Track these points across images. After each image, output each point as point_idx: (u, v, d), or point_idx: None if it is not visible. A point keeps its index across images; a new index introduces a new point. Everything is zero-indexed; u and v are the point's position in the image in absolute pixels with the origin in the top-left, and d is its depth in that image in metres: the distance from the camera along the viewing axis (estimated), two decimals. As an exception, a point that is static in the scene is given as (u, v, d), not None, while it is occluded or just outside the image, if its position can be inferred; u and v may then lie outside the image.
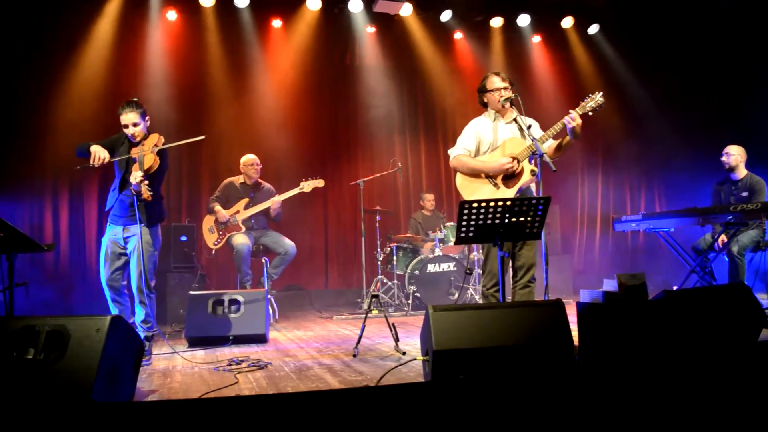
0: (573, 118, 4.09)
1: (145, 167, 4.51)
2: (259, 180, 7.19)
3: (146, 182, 4.47)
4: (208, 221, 7.01)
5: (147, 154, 4.54)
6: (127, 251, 4.67)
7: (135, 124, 4.63)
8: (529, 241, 4.25)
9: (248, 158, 7.12)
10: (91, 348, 2.92)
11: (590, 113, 4.17)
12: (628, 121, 10.26)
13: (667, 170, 10.38)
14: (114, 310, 4.65)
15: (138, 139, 4.66)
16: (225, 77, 8.78)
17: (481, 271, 4.51)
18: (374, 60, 9.57)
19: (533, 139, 4.00)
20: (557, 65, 10.22)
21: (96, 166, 4.43)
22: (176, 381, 3.92)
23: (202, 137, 4.74)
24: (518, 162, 4.24)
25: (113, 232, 4.67)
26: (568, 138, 4.23)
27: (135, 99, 4.75)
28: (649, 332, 3.49)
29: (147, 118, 4.74)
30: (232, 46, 8.81)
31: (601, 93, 4.20)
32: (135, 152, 4.61)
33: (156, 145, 4.60)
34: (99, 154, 4.44)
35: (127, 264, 4.70)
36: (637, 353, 3.45)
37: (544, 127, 4.37)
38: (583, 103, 4.20)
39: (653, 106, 10.14)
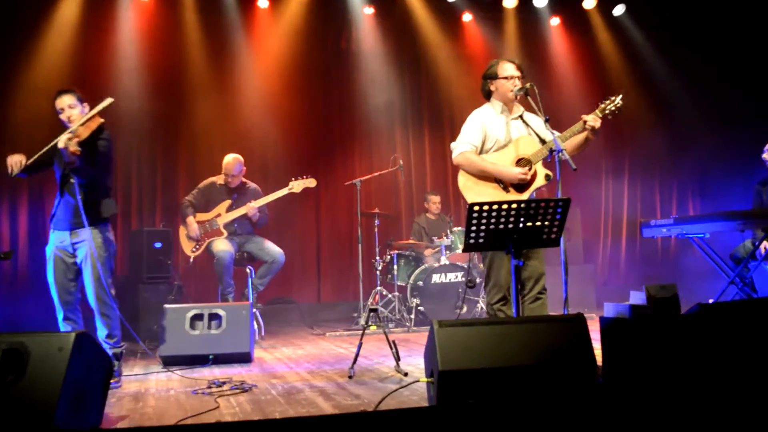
0: (596, 120, 4.15)
1: (76, 133, 4.47)
2: (244, 179, 7.19)
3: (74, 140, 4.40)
4: (184, 227, 7.01)
5: (80, 127, 4.51)
6: (78, 260, 4.66)
7: (71, 106, 4.67)
8: (535, 249, 4.24)
9: (229, 161, 7.04)
10: (53, 368, 2.91)
11: (609, 117, 4.23)
12: (657, 114, 10.27)
13: (702, 169, 10.39)
14: (65, 329, 4.63)
15: (71, 125, 4.61)
16: (205, 64, 8.80)
17: (483, 285, 4.48)
18: (373, 45, 9.59)
19: (552, 134, 4.00)
20: (578, 51, 10.24)
21: (15, 173, 4.44)
22: (149, 405, 3.92)
23: (110, 100, 4.67)
24: (531, 165, 4.24)
25: (59, 239, 4.67)
26: (584, 135, 4.26)
27: (71, 87, 4.79)
28: (682, 351, 3.48)
29: (85, 104, 4.73)
30: (213, 30, 8.82)
31: (621, 96, 4.24)
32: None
33: (93, 122, 4.58)
34: (13, 159, 4.45)
35: (79, 274, 4.69)
36: (668, 375, 3.45)
37: (559, 124, 4.36)
38: (603, 105, 4.24)
39: (686, 97, 10.14)
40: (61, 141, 4.35)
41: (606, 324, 3.83)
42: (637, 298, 3.90)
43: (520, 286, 4.24)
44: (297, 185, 7.00)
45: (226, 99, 8.86)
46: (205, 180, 7.22)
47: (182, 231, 6.99)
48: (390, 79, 9.70)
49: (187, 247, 6.94)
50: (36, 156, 4.53)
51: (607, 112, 4.22)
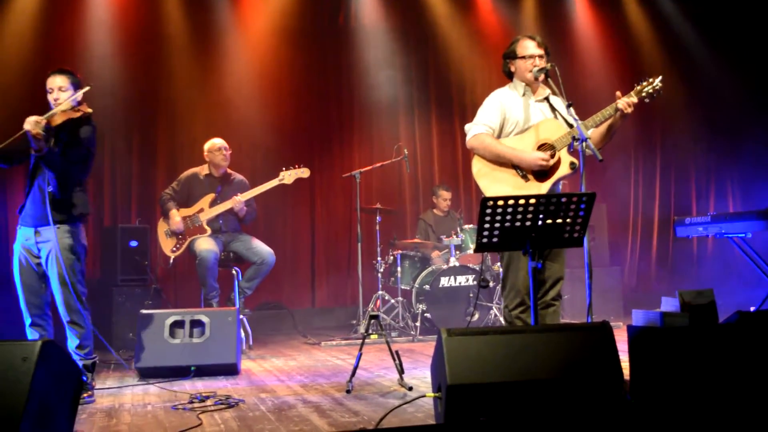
0: (631, 104, 4.13)
1: (49, 117, 4.48)
2: (229, 170, 7.19)
3: (43, 123, 4.38)
4: (164, 222, 7.02)
5: (60, 111, 4.54)
6: (41, 261, 4.67)
7: (61, 89, 4.67)
8: (557, 251, 4.24)
9: (214, 143, 7.12)
10: (16, 381, 2.92)
11: (646, 100, 4.22)
12: (694, 98, 10.27)
13: (744, 161, 10.38)
14: (32, 336, 4.64)
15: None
16: (186, 43, 8.79)
17: (501, 287, 4.49)
18: (374, 21, 9.58)
19: (575, 120, 3.99)
20: (605, 27, 10.23)
21: None
22: (124, 422, 3.93)
23: (86, 88, 4.70)
24: (555, 152, 4.24)
25: (25, 236, 4.69)
26: (613, 121, 4.25)
27: (71, 70, 4.81)
28: (720, 363, 3.48)
29: (80, 91, 4.73)
30: (194, 4, 8.82)
31: (661, 78, 4.24)
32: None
33: (77, 110, 4.61)
34: None
35: (46, 275, 4.70)
36: (703, 391, 3.45)
37: (584, 110, 4.36)
38: (639, 87, 4.23)
39: (727, 80, 10.13)
40: (28, 122, 4.35)
41: (635, 334, 3.84)
42: (670, 304, 3.91)
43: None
44: (288, 176, 7.00)
45: (209, 81, 8.86)
46: (186, 171, 7.22)
47: (161, 228, 7.00)
48: (394, 59, 9.69)
49: (167, 246, 6.95)
50: (5, 143, 4.52)
51: (643, 94, 4.20)
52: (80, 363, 4.67)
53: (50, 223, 4.56)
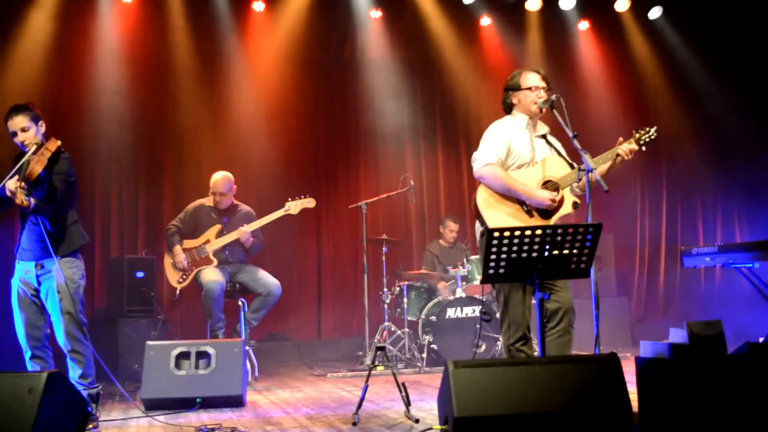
0: (632, 151, 4.33)
1: (27, 172, 4.45)
2: (235, 201, 7.22)
3: (23, 186, 4.38)
4: (169, 255, 7.04)
5: (34, 159, 4.50)
6: (41, 294, 4.68)
7: (24, 129, 4.64)
8: (562, 279, 4.24)
9: (216, 184, 7.06)
10: (21, 413, 2.92)
11: (643, 148, 4.41)
12: (699, 128, 10.29)
13: (751, 190, 10.37)
14: (33, 369, 4.61)
15: (30, 148, 4.60)
16: (193, 74, 8.87)
17: (500, 322, 4.46)
18: (380, 52, 9.65)
19: (580, 151, 4.00)
20: (609, 58, 10.27)
21: None
22: (129, 455, 3.92)
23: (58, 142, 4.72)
24: (558, 190, 4.26)
25: (24, 270, 4.70)
26: (616, 163, 4.38)
27: (26, 103, 4.76)
28: (729, 396, 3.46)
29: (41, 123, 4.73)
30: (203, 35, 8.91)
31: (656, 128, 4.45)
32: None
33: (47, 149, 4.58)
34: None
35: (45, 309, 4.70)
36: (712, 422, 3.43)
37: (589, 141, 4.41)
38: (638, 135, 4.42)
39: (732, 110, 10.14)
40: (8, 188, 4.35)
41: (643, 365, 3.82)
42: (678, 336, 3.89)
43: (546, 319, 4.22)
44: (294, 206, 7.02)
45: (216, 112, 8.92)
46: (193, 202, 7.25)
47: (167, 259, 7.01)
48: (399, 90, 9.74)
49: (173, 278, 6.95)
50: None
51: (641, 142, 4.39)
52: (84, 393, 4.65)
53: (52, 255, 4.58)
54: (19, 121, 4.63)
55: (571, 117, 4.20)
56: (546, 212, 4.28)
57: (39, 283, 4.67)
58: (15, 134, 4.65)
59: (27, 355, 4.65)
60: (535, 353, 4.24)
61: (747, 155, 10.18)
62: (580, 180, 4.13)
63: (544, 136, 4.46)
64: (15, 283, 4.72)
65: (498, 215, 4.29)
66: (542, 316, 3.78)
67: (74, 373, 4.69)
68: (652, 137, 4.39)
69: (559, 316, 4.21)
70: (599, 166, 4.29)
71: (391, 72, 9.71)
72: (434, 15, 9.66)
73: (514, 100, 4.53)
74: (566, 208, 4.26)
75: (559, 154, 4.38)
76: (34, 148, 4.57)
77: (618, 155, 4.29)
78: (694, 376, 3.57)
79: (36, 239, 4.66)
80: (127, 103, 8.32)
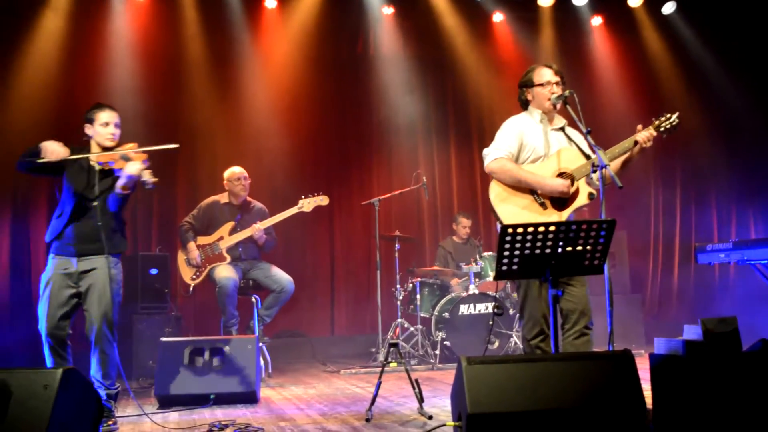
0: (650, 138, 4.22)
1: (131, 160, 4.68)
2: (249, 198, 7.23)
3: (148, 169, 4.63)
4: (183, 252, 7.06)
5: (135, 153, 4.70)
6: (81, 289, 4.68)
7: (117, 125, 4.83)
8: (578, 276, 4.22)
9: (233, 172, 7.17)
10: (37, 409, 2.93)
11: (663, 135, 4.31)
12: (713, 124, 10.22)
13: (764, 187, 10.30)
14: (52, 364, 4.61)
15: (113, 144, 4.80)
16: (206, 71, 8.88)
17: (519, 317, 4.46)
18: (392, 48, 9.65)
19: (595, 147, 3.98)
20: (623, 54, 10.23)
21: (52, 161, 4.48)
22: (143, 451, 3.93)
23: (176, 146, 4.83)
24: (573, 181, 4.24)
25: (62, 266, 4.67)
26: (635, 152, 4.30)
27: None
28: (743, 393, 3.44)
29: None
30: (215, 33, 8.92)
31: (678, 113, 4.32)
32: (101, 158, 4.70)
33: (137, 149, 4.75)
34: (53, 146, 4.50)
35: (76, 307, 4.71)
36: (727, 420, 3.41)
37: (602, 137, 4.37)
38: (657, 122, 4.31)
39: (746, 105, 10.07)
40: (135, 169, 4.58)
41: (657, 362, 3.80)
42: (692, 332, 3.87)
43: (563, 319, 4.22)
44: (307, 204, 7.02)
45: (229, 110, 8.94)
46: (206, 199, 7.27)
47: (181, 256, 7.03)
48: (412, 87, 9.74)
49: (187, 274, 6.98)
50: (72, 156, 4.62)
51: (661, 129, 4.28)
52: (104, 393, 4.67)
53: (105, 252, 4.65)
54: (115, 116, 4.87)
55: (585, 113, 4.17)
56: (560, 203, 4.26)
57: (80, 279, 4.68)
58: (106, 125, 4.79)
59: (47, 350, 4.62)
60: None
61: (762, 151, 10.11)
62: (595, 171, 4.11)
63: (562, 129, 4.43)
64: (47, 279, 4.67)
65: (511, 209, 4.28)
66: (556, 313, 3.76)
67: (97, 372, 4.70)
68: (673, 123, 4.30)
69: (575, 317, 4.20)
70: (616, 157, 4.26)
71: (404, 68, 9.71)
72: (446, 11, 9.64)
73: (529, 97, 4.53)
74: (581, 200, 4.23)
75: (577, 146, 4.35)
76: (114, 144, 4.80)
77: (636, 142, 4.21)
78: (709, 374, 3.56)
79: (86, 235, 4.69)
80: (141, 101, 8.32)
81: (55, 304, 4.61)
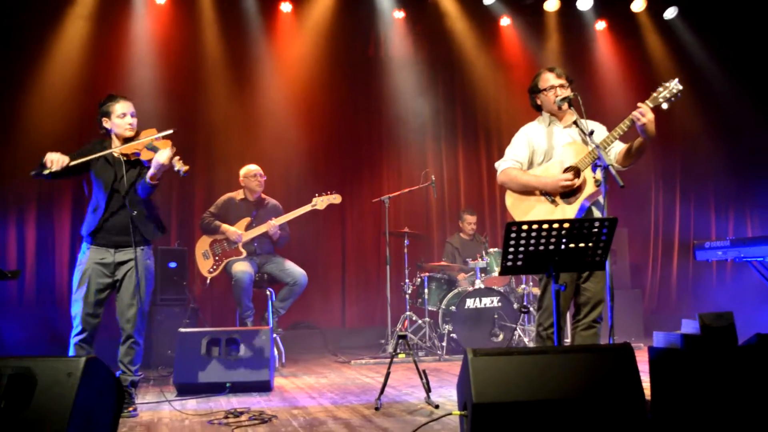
0: (643, 113, 4.05)
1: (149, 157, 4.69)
2: (264, 195, 7.25)
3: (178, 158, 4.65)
4: (202, 245, 7.08)
5: (160, 141, 4.74)
6: (117, 278, 4.71)
7: (133, 115, 4.83)
8: (598, 272, 4.22)
9: (249, 169, 7.19)
10: (60, 396, 2.95)
11: (665, 105, 4.13)
12: (713, 125, 10.17)
13: (763, 186, 10.26)
14: (76, 352, 4.63)
15: (132, 133, 4.81)
16: (223, 73, 8.89)
17: (537, 308, 4.47)
18: (403, 51, 9.64)
19: (596, 146, 3.97)
20: (626, 57, 10.20)
21: (52, 170, 4.49)
22: (162, 437, 3.95)
23: (171, 131, 4.83)
24: (579, 173, 4.22)
25: (99, 256, 4.70)
26: (639, 139, 4.18)
27: None
28: (739, 385, 3.44)
29: None
30: (232, 35, 8.93)
31: (678, 79, 4.13)
32: (126, 150, 4.72)
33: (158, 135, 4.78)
34: (54, 156, 4.51)
35: (108, 297, 4.74)
36: (723, 411, 3.41)
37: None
38: (655, 94, 4.16)
39: (746, 107, 10.03)
40: (164, 157, 4.58)
41: (655, 355, 3.80)
42: (690, 326, 3.86)
43: (575, 310, 4.25)
44: (321, 202, 7.04)
45: (245, 110, 8.95)
46: (222, 196, 7.29)
47: (198, 250, 7.05)
48: (421, 88, 9.74)
49: (204, 268, 7.00)
50: (82, 160, 4.64)
51: (660, 100, 4.11)
52: (129, 379, 4.70)
53: (141, 244, 4.73)
54: (130, 106, 4.85)
55: (588, 114, 4.18)
56: (569, 196, 4.25)
57: (116, 269, 4.71)
58: (123, 116, 4.79)
59: (75, 338, 4.63)
60: (566, 341, 4.26)
61: (760, 151, 10.07)
62: (596, 166, 4.07)
63: (575, 122, 4.39)
64: (83, 268, 4.68)
65: (525, 213, 4.34)
66: (558, 307, 3.76)
67: (126, 359, 4.72)
68: (674, 91, 4.10)
69: (586, 310, 4.24)
70: (615, 140, 4.18)
71: (414, 71, 9.71)
72: (455, 15, 9.64)
73: (538, 101, 4.55)
74: (589, 189, 4.19)
75: (586, 135, 4.28)
76: (133, 133, 4.81)
77: (632, 120, 4.07)
78: (706, 366, 3.55)
79: (121, 226, 4.72)
80: (161, 100, 8.34)
81: (93, 290, 4.64)
